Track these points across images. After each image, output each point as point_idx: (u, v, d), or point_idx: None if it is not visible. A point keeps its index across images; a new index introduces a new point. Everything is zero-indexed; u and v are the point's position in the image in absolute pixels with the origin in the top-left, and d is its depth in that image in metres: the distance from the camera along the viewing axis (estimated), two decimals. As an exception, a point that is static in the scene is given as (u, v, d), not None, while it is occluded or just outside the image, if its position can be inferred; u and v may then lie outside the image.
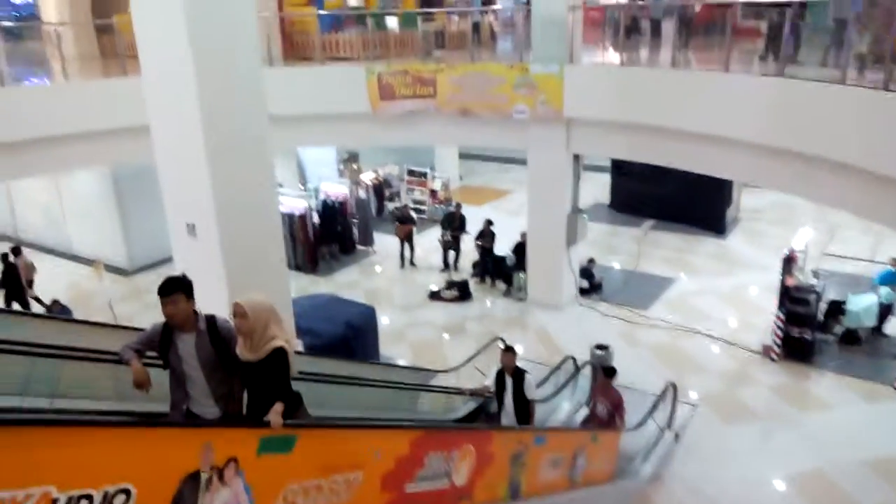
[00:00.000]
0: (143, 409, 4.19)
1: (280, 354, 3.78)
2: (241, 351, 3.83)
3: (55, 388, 3.99)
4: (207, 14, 6.59)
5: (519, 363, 7.17)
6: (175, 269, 7.71)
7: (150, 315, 12.02)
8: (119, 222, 14.56)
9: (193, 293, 3.88)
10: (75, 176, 14.78)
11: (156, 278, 13.50)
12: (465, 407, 8.73)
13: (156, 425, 3.20)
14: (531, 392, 7.01)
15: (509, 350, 7.12)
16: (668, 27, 12.33)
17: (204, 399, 3.88)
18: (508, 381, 7.02)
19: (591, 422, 8.18)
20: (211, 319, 3.96)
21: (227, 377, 3.91)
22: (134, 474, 2.85)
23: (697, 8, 12.26)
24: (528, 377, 7.00)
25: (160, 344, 3.85)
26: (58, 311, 11.27)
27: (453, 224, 14.40)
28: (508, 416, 7.02)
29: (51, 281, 13.36)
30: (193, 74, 6.54)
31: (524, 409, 6.96)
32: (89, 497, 2.68)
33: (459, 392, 7.81)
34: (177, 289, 3.79)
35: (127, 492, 2.81)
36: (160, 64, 6.85)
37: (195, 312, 3.91)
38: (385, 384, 7.35)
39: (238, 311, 3.75)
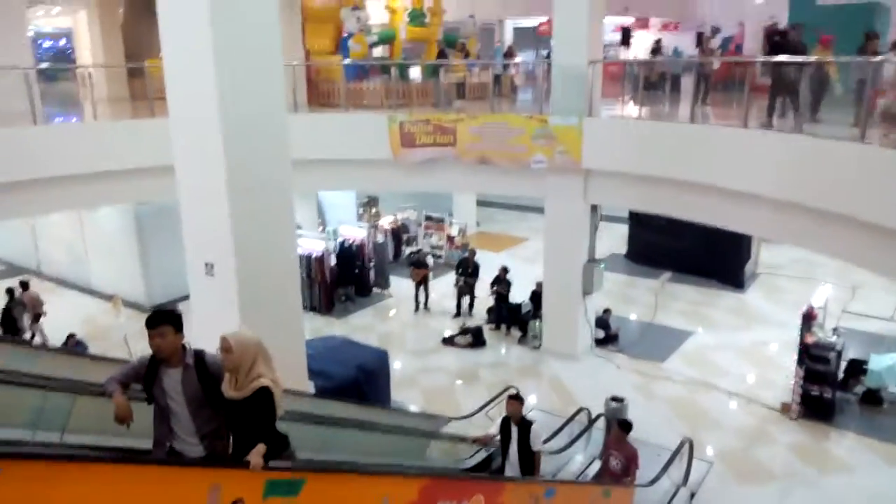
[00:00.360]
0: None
1: (265, 394, 3.66)
2: (226, 388, 3.73)
3: (67, 422, 4.00)
4: (236, 61, 6.79)
5: (532, 413, 7.08)
6: (191, 307, 7.78)
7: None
8: (139, 259, 14.75)
9: (182, 326, 3.79)
10: (98, 212, 15.06)
11: (172, 316, 13.66)
12: (475, 456, 8.61)
13: (164, 464, 3.20)
14: (537, 443, 6.82)
15: (516, 398, 6.97)
16: (687, 82, 12.50)
17: (188, 437, 3.75)
18: (514, 431, 6.83)
19: (604, 476, 7.97)
20: (199, 354, 3.85)
21: (214, 415, 3.79)
22: (140, 513, 2.84)
23: (716, 65, 12.45)
24: (534, 427, 6.84)
25: (146, 377, 3.74)
26: (73, 346, 11.35)
27: (466, 270, 14.40)
28: (513, 466, 6.85)
29: (69, 315, 13.49)
30: (218, 118, 6.71)
31: (529, 461, 6.79)
32: (94, 534, 2.67)
33: (463, 440, 7.65)
34: (165, 321, 3.70)
35: (132, 530, 2.80)
36: (187, 107, 7.04)
37: (183, 346, 3.81)
38: (388, 429, 7.26)
39: (224, 346, 3.66)
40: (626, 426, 7.85)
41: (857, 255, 8.15)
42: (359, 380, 9.50)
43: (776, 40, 10.71)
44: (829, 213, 7.85)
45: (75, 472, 2.69)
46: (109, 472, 2.85)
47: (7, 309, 11.90)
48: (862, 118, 7.83)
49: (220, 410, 3.78)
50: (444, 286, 15.74)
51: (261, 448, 3.40)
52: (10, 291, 12.03)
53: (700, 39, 14.97)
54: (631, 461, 7.66)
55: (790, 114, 9.43)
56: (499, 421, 7.04)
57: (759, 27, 23.27)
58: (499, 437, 6.97)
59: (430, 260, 16.94)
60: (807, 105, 9.04)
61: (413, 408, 10.54)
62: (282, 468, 3.61)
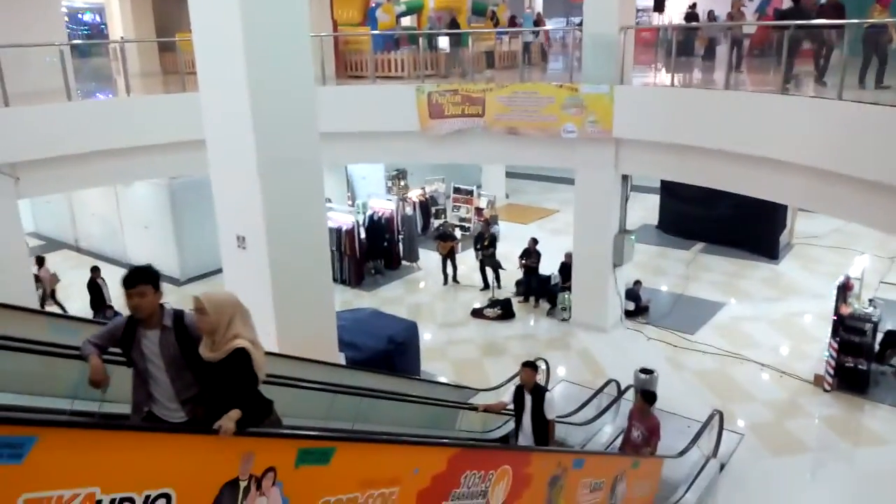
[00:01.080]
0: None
1: (241, 355, 3.45)
2: (203, 349, 3.54)
3: (104, 393, 4.11)
4: (264, 34, 6.80)
5: (560, 385, 7.03)
6: (224, 281, 7.92)
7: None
8: (173, 233, 15.00)
9: (160, 285, 3.60)
10: (133, 187, 15.31)
11: (205, 289, 13.93)
12: (504, 427, 8.69)
13: (198, 432, 3.28)
14: (551, 411, 6.70)
15: (529, 365, 6.82)
16: (722, 48, 12.18)
17: (168, 402, 3.57)
18: (528, 399, 6.71)
19: (625, 446, 7.89)
20: (178, 315, 3.64)
21: (195, 379, 3.60)
22: (175, 479, 2.93)
23: (753, 29, 12.08)
24: (548, 395, 6.74)
25: (123, 339, 3.57)
26: (111, 317, 11.66)
27: (483, 242, 14.33)
28: (526, 436, 6.75)
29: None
30: (248, 92, 6.75)
31: (543, 430, 6.68)
32: (131, 500, 2.77)
33: (473, 408, 7.51)
34: (143, 279, 3.50)
35: (167, 496, 2.89)
36: (217, 81, 7.10)
37: (162, 307, 3.59)
38: (418, 400, 7.29)
39: (197, 307, 3.47)
40: (650, 397, 7.74)
41: (894, 225, 7.94)
42: (389, 351, 9.61)
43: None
44: (867, 182, 7.65)
45: (111, 440, 2.79)
46: (143, 440, 2.94)
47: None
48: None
49: (202, 374, 3.59)
50: (472, 259, 15.75)
51: (234, 413, 3.16)
52: (40, 261, 12.32)
53: (734, 4, 14.55)
54: (653, 433, 7.54)
55: (830, 79, 9.14)
56: (512, 389, 6.92)
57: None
58: (512, 406, 6.87)
59: (457, 232, 16.94)
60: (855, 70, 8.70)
61: (442, 379, 10.64)
62: (260, 433, 3.46)
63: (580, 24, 11.92)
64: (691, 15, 17.64)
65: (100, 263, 13.45)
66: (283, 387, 5.47)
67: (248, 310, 3.63)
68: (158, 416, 3.60)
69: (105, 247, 16.78)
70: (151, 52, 17.68)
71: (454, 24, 14.44)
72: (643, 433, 7.55)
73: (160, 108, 10.74)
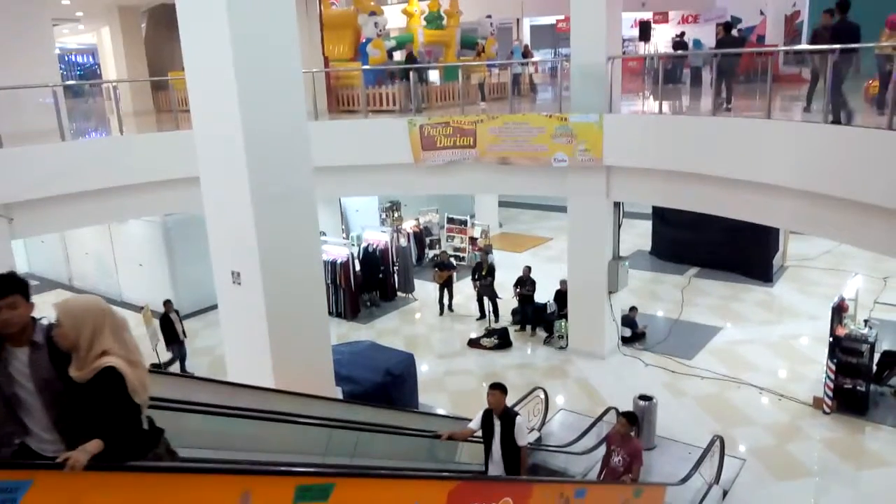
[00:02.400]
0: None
1: (110, 376, 2.94)
2: (71, 368, 3.02)
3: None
4: (256, 71, 6.90)
5: (559, 414, 6.88)
6: (219, 316, 7.89)
7: (194, 360, 12.28)
8: (168, 270, 14.98)
9: (30, 295, 3.09)
10: (127, 225, 15.33)
11: (201, 326, 13.88)
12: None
13: (195, 471, 3.25)
14: (522, 437, 6.25)
15: (497, 388, 6.34)
16: (708, 75, 12.37)
17: (43, 431, 3.07)
18: (497, 425, 6.25)
19: (604, 474, 7.41)
20: (51, 329, 3.10)
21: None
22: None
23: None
24: (518, 420, 6.31)
25: None
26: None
27: (481, 272, 14.32)
28: (496, 464, 6.29)
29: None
30: (241, 128, 6.82)
31: (514, 457, 6.23)
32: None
33: (436, 436, 6.75)
34: (13, 288, 2.99)
35: (166, 538, 2.85)
36: (210, 118, 7.17)
37: (34, 320, 3.10)
38: (401, 431, 7.07)
39: (56, 318, 3.00)
40: (633, 418, 7.33)
41: (887, 246, 7.99)
42: (386, 384, 9.55)
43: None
44: (857, 203, 7.72)
45: (108, 482, 2.75)
46: (141, 481, 2.90)
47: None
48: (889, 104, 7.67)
49: (74, 398, 3.06)
50: (468, 288, 15.75)
51: (91, 445, 2.70)
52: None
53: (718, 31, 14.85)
54: (634, 458, 7.09)
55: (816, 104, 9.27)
56: (479, 414, 6.44)
57: (780, 16, 23.01)
58: (480, 433, 6.43)
59: (452, 261, 16.96)
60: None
61: (440, 411, 10.56)
62: (257, 471, 3.31)
63: (568, 55, 12.11)
64: (679, 43, 17.95)
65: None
66: (280, 423, 5.44)
67: (122, 320, 3.15)
68: (34, 449, 3.08)
69: (99, 285, 16.72)
70: (144, 91, 17.84)
71: (411, 58, 14.48)
72: (624, 458, 7.12)
73: (154, 146, 10.82)
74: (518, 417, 6.30)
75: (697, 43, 17.55)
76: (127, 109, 14.48)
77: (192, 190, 7.95)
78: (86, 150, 10.61)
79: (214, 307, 7.94)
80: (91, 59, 26.32)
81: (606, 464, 7.34)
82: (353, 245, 16.08)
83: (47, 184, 9.54)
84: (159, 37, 19.47)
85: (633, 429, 7.23)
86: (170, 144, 10.53)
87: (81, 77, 26.64)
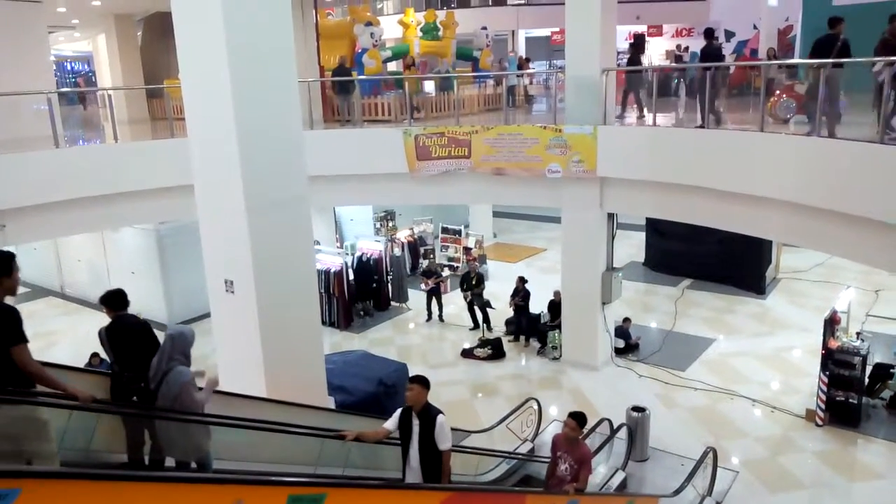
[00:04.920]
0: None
1: None
2: None
3: (89, 441, 4.05)
4: (252, 80, 6.91)
5: (553, 424, 6.33)
6: (211, 325, 7.86)
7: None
8: (160, 278, 14.92)
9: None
10: (121, 232, 15.27)
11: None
12: (497, 469, 8.59)
13: (188, 481, 3.23)
14: (444, 439, 5.36)
15: (417, 381, 5.49)
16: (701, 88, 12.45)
17: None
18: (415, 424, 5.40)
19: (549, 485, 6.50)
20: None
21: None
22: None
23: (731, 69, 12.38)
24: (440, 419, 5.38)
25: None
26: (97, 365, 11.48)
27: (469, 282, 14.29)
28: (413, 471, 5.41)
29: (92, 336, 13.66)
30: (236, 137, 6.83)
31: (433, 463, 5.37)
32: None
33: (339, 437, 5.58)
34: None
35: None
36: (205, 126, 7.18)
37: None
38: (394, 441, 7.08)
39: None
40: (581, 420, 6.38)
41: (878, 258, 8.04)
42: (379, 394, 9.52)
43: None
44: (849, 216, 7.77)
45: (96, 491, 2.74)
46: (128, 490, 2.89)
47: None
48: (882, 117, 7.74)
49: None
50: (460, 298, 15.73)
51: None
52: None
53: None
54: (582, 464, 6.17)
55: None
56: (397, 413, 5.60)
57: (773, 30, 23.22)
58: (398, 433, 5.58)
59: (445, 271, 16.99)
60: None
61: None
62: (250, 480, 3.36)
63: (562, 67, 12.18)
64: (679, 57, 18.08)
65: (85, 310, 13.33)
66: (272, 432, 5.41)
67: None
68: None
69: (91, 293, 16.60)
70: (140, 99, 17.85)
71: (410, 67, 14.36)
72: (572, 465, 6.21)
73: (148, 153, 10.81)
74: (440, 417, 5.40)
75: (693, 56, 17.68)
76: (122, 117, 14.46)
77: (186, 198, 7.93)
78: (80, 157, 10.59)
79: (207, 315, 7.91)
80: (87, 66, 26.31)
81: (553, 472, 6.43)
82: (347, 254, 16.06)
83: (41, 191, 9.52)
84: (155, 45, 19.52)
85: (582, 432, 6.39)
86: (164, 152, 10.54)
87: (76, 85, 26.61)
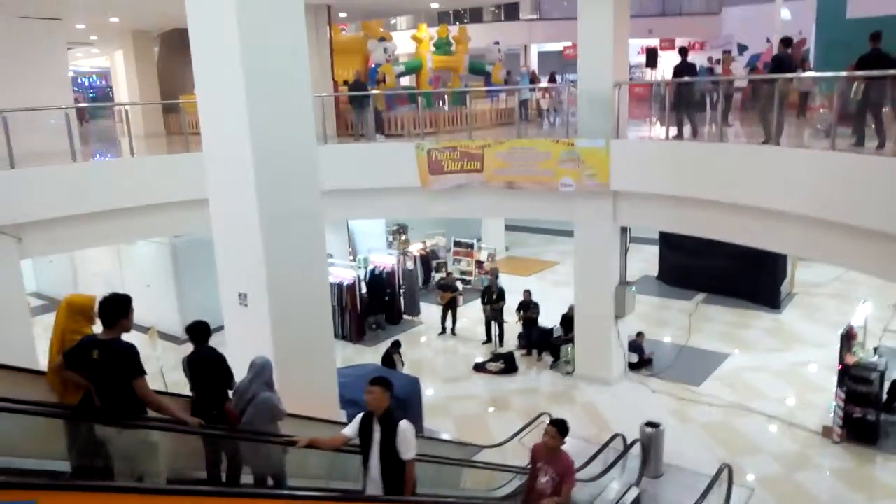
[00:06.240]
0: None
1: None
2: None
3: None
4: (267, 94, 6.98)
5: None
6: (225, 338, 7.89)
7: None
8: (175, 291, 15.01)
9: None
10: (136, 246, 15.41)
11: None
12: (510, 484, 8.53)
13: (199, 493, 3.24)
14: (407, 448, 4.96)
15: (378, 383, 5.09)
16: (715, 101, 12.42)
17: None
18: (376, 431, 5.00)
19: (528, 500, 6.04)
20: None
21: None
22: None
23: (744, 83, 12.33)
24: (402, 425, 4.97)
25: None
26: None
27: (490, 296, 14.31)
28: (373, 482, 5.00)
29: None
30: (250, 151, 6.89)
31: (395, 473, 4.96)
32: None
33: (290, 443, 5.35)
34: None
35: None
36: (220, 140, 7.25)
37: None
38: (421, 458, 7.15)
39: None
40: (563, 428, 5.85)
41: (894, 272, 7.96)
42: (391, 408, 9.49)
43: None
44: (864, 230, 7.70)
45: (113, 502, 2.75)
46: (142, 502, 2.90)
47: None
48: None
49: None
50: (472, 312, 15.72)
51: None
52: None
53: (725, 59, 14.93)
54: (565, 477, 5.67)
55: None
56: (357, 418, 5.21)
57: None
58: (357, 440, 5.15)
59: (458, 284, 16.96)
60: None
61: (445, 436, 10.49)
62: (259, 494, 3.45)
63: (574, 81, 12.20)
64: (711, 69, 17.93)
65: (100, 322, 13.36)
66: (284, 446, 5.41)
67: None
68: None
69: (106, 305, 16.76)
70: (156, 114, 18.06)
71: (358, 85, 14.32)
72: (553, 478, 5.72)
73: (163, 167, 10.91)
74: (402, 423, 4.98)
75: (703, 70, 17.67)
76: (138, 132, 14.63)
77: (201, 211, 8.00)
78: (96, 171, 10.71)
79: (221, 328, 7.94)
80: (105, 81, 26.69)
81: (532, 485, 5.91)
82: (359, 267, 16.10)
83: (58, 204, 9.62)
84: (172, 61, 19.75)
85: (563, 441, 5.83)
86: (179, 166, 10.62)
87: (94, 100, 26.99)
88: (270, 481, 5.60)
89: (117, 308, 4.62)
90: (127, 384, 4.37)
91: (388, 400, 5.05)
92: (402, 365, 11.98)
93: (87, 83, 28.21)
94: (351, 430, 5.14)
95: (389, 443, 4.90)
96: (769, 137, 9.38)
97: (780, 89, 9.38)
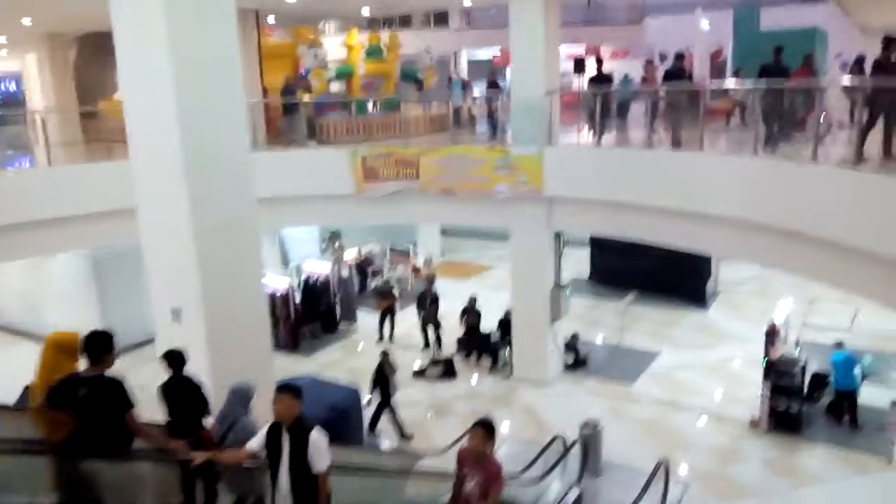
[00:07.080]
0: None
1: None
2: None
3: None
4: (197, 99, 6.77)
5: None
6: (156, 352, 7.58)
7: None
8: (97, 304, 14.32)
9: None
10: (54, 258, 14.64)
11: (135, 361, 13.28)
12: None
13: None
14: (319, 459, 4.60)
15: (286, 390, 4.76)
16: (637, 109, 12.84)
17: None
18: (285, 442, 4.64)
19: None
20: None
21: None
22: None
23: (662, 93, 12.76)
24: (314, 435, 4.61)
25: None
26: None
27: (425, 302, 14.28)
28: (283, 498, 4.65)
29: (25, 367, 12.98)
30: (181, 158, 6.66)
31: (307, 487, 4.60)
32: None
33: (186, 461, 4.95)
34: None
35: None
36: (149, 148, 6.97)
37: None
38: (346, 469, 7.02)
39: None
40: (490, 429, 5.26)
41: (815, 271, 8.40)
42: (330, 420, 9.31)
43: None
44: (786, 231, 8.09)
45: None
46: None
47: None
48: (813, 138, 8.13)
49: None
50: (411, 318, 15.64)
51: None
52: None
53: (647, 67, 15.41)
54: (491, 483, 5.12)
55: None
56: (264, 430, 4.83)
57: (706, 54, 24.10)
58: (265, 454, 4.78)
59: (395, 291, 16.86)
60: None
61: (387, 444, 10.39)
62: None
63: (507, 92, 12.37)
64: (600, 77, 18.39)
65: (19, 340, 12.67)
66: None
67: None
68: None
69: (25, 320, 15.85)
70: (73, 121, 17.22)
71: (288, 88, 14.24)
72: (480, 483, 5.17)
73: (84, 176, 10.44)
74: (314, 432, 4.63)
75: (626, 79, 18.14)
76: (54, 139, 13.91)
77: (125, 222, 7.69)
78: (10, 181, 10.14)
79: (150, 342, 7.63)
80: (16, 86, 25.33)
81: (459, 492, 5.37)
82: (293, 276, 15.79)
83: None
84: (90, 64, 18.92)
85: (492, 444, 5.31)
86: (101, 175, 10.19)
87: (2, 106, 25.57)
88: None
89: (102, 344, 4.72)
90: (118, 418, 4.51)
91: (298, 408, 4.71)
92: (394, 372, 11.71)
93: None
94: (256, 443, 4.80)
95: (300, 455, 4.57)
96: (676, 143, 10.17)
97: (673, 98, 10.53)
